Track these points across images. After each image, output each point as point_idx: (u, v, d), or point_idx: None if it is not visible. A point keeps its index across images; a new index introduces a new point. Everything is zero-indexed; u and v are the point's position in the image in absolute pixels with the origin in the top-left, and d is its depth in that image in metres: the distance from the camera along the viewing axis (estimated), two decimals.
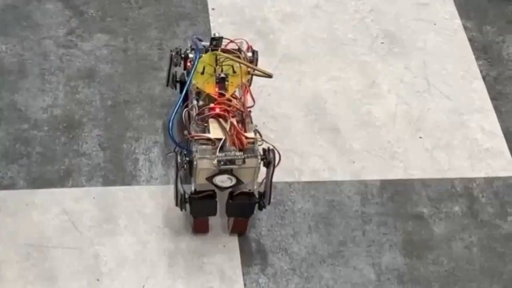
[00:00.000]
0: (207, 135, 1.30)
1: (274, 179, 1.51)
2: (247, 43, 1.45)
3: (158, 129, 1.57)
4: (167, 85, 1.50)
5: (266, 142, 1.33)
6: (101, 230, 1.43)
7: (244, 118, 1.34)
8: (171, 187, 1.39)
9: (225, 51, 1.42)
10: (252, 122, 1.34)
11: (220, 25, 1.78)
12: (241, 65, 1.39)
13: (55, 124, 1.57)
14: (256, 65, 1.46)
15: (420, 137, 1.64)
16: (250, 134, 1.31)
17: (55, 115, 1.58)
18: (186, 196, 1.35)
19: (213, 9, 1.81)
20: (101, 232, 1.43)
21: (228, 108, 1.33)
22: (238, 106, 1.34)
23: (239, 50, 1.43)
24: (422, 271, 1.44)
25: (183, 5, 1.81)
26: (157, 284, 1.38)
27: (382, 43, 1.79)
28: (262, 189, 1.37)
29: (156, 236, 1.43)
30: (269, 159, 1.32)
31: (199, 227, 1.42)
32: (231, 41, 1.44)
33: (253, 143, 1.31)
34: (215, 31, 1.73)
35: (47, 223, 1.43)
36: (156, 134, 1.55)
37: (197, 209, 1.37)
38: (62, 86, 1.63)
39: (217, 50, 1.41)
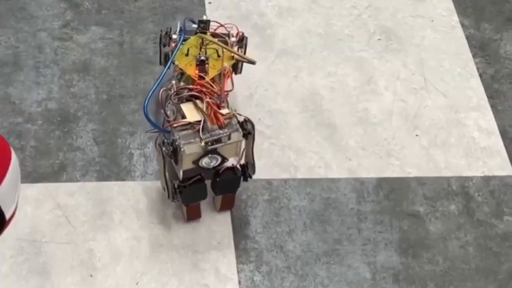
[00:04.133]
0: (185, 120, 1.29)
1: (269, 176, 1.51)
2: (237, 28, 1.45)
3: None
4: (160, 64, 1.51)
5: (240, 114, 1.33)
6: (95, 225, 1.42)
7: (220, 101, 1.34)
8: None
9: (214, 35, 1.43)
10: (229, 107, 1.34)
11: (216, 19, 1.75)
12: (225, 49, 1.39)
13: (50, 117, 1.56)
14: (244, 51, 1.46)
15: (417, 135, 1.63)
16: (225, 110, 1.31)
17: (50, 109, 1.57)
18: (176, 186, 1.35)
19: (209, 2, 1.80)
20: (95, 227, 1.42)
21: (204, 90, 1.33)
22: (215, 90, 1.34)
23: (228, 35, 1.44)
24: (418, 270, 1.44)
25: None
26: (151, 280, 1.37)
27: (379, 39, 1.79)
28: (243, 161, 1.38)
29: (150, 232, 1.42)
30: (248, 130, 1.32)
31: (192, 214, 1.42)
32: (221, 25, 1.44)
33: (230, 118, 1.31)
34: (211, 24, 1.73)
35: (40, 218, 1.42)
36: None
37: (189, 196, 1.37)
38: (56, 79, 1.62)
39: (204, 33, 1.42)
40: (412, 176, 1.56)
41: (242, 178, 1.39)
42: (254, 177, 1.50)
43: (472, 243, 1.49)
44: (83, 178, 1.48)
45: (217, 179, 1.36)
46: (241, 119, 1.33)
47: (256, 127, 1.58)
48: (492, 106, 1.69)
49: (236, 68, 1.46)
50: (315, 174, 1.55)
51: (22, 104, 1.57)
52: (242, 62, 1.44)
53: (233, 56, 1.42)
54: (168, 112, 1.33)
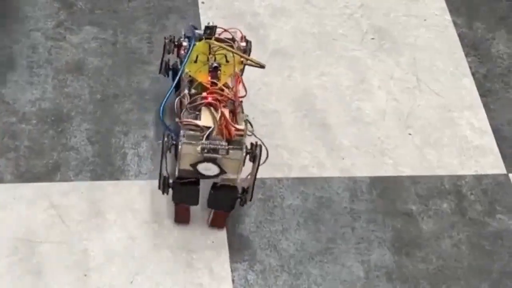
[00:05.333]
0: (196, 121, 1.29)
1: (263, 175, 1.51)
2: (241, 32, 1.45)
3: (148, 123, 1.56)
4: (160, 73, 1.50)
5: (255, 136, 1.33)
6: (89, 225, 1.42)
7: (235, 108, 1.33)
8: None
9: (219, 40, 1.42)
10: (243, 112, 1.34)
11: (210, 19, 1.76)
12: (234, 54, 1.38)
13: (44, 117, 1.56)
14: (249, 55, 1.46)
15: (410, 134, 1.64)
16: (240, 126, 1.31)
17: (44, 109, 1.57)
18: (170, 180, 1.35)
19: (203, 2, 1.80)
20: (89, 227, 1.42)
21: (219, 98, 1.32)
22: (229, 96, 1.33)
23: (233, 39, 1.43)
24: (411, 269, 1.44)
25: None
26: (146, 280, 1.37)
27: (373, 38, 1.79)
28: (246, 185, 1.37)
29: (144, 231, 1.43)
30: (254, 154, 1.31)
31: (180, 216, 1.42)
32: (225, 30, 1.44)
33: (242, 135, 1.30)
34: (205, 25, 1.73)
35: (35, 218, 1.42)
36: (145, 128, 1.54)
37: (179, 194, 1.37)
38: (50, 79, 1.62)
39: (210, 38, 1.41)
40: (405, 175, 1.57)
41: (239, 201, 1.38)
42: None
43: (465, 241, 1.49)
44: (77, 178, 1.49)
45: (212, 191, 1.36)
46: (254, 141, 1.32)
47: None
48: (484, 105, 1.70)
49: (242, 72, 1.45)
50: (309, 173, 1.55)
51: (16, 104, 1.57)
52: (251, 66, 1.43)
53: (242, 61, 1.41)
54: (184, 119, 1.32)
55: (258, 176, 1.51)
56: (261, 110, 1.63)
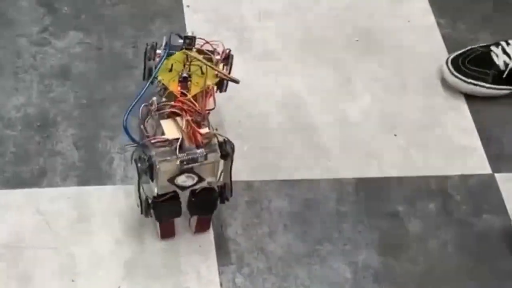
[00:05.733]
0: (164, 137, 1.28)
1: (250, 178, 1.52)
2: (223, 45, 1.44)
3: (134, 128, 1.56)
4: (144, 79, 1.48)
5: (221, 135, 1.32)
6: (76, 230, 1.42)
7: (202, 120, 1.32)
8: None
9: (200, 51, 1.41)
10: (209, 125, 1.32)
11: (195, 22, 1.77)
12: (208, 67, 1.38)
13: (29, 123, 1.56)
14: (230, 68, 1.45)
15: (395, 135, 1.64)
16: (205, 130, 1.30)
17: (29, 114, 1.57)
18: (150, 201, 1.33)
19: (188, 6, 1.80)
20: (76, 232, 1.42)
21: (186, 108, 1.31)
22: (196, 107, 1.32)
23: (214, 51, 1.42)
24: (398, 270, 1.45)
25: (157, 2, 1.80)
26: (133, 285, 1.37)
27: (357, 40, 1.80)
28: (222, 183, 1.37)
29: (132, 236, 1.43)
30: (226, 151, 1.31)
31: (166, 232, 1.41)
32: (207, 42, 1.43)
33: (209, 138, 1.29)
34: (190, 28, 1.73)
35: (21, 224, 1.42)
36: (132, 132, 1.53)
37: (162, 212, 1.35)
38: (35, 84, 1.62)
39: (190, 48, 1.40)
40: (391, 176, 1.58)
41: (219, 200, 1.38)
42: (234, 179, 1.51)
43: (452, 242, 1.50)
44: (64, 183, 1.48)
45: (193, 199, 1.35)
46: (221, 139, 1.31)
47: (236, 129, 1.60)
48: (469, 106, 1.70)
49: (221, 86, 1.45)
50: (295, 176, 1.56)
51: (1, 110, 1.57)
52: (227, 80, 1.43)
53: (217, 74, 1.40)
54: (148, 128, 1.31)
55: (244, 179, 1.52)
56: (247, 113, 1.63)
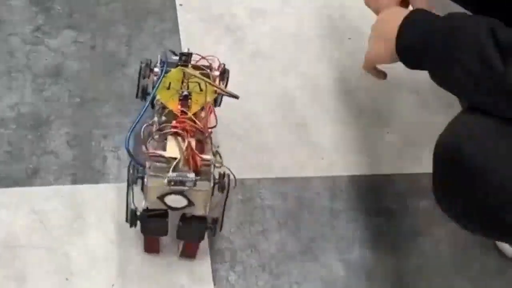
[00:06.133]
0: (162, 153, 1.27)
1: (243, 176, 1.52)
2: (218, 60, 1.42)
3: (127, 127, 1.56)
4: (137, 97, 1.46)
5: (225, 166, 1.30)
6: (70, 229, 1.43)
7: (204, 138, 1.31)
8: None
9: (195, 67, 1.39)
10: (212, 143, 1.31)
11: (188, 21, 1.77)
12: (207, 84, 1.36)
13: (22, 122, 1.56)
14: (226, 83, 1.43)
15: (388, 132, 1.65)
16: (207, 156, 1.28)
17: (22, 113, 1.57)
18: (138, 213, 1.32)
19: (180, 5, 1.80)
20: (70, 231, 1.42)
21: (187, 127, 1.30)
22: (198, 126, 1.30)
23: (210, 67, 1.40)
24: (391, 267, 1.46)
25: (150, 1, 1.80)
26: (127, 283, 1.38)
27: (350, 38, 1.80)
28: (216, 214, 1.35)
29: (125, 234, 1.43)
30: (223, 184, 1.29)
31: (150, 247, 1.40)
32: (203, 58, 1.41)
33: (208, 165, 1.27)
34: (183, 27, 1.74)
35: (15, 223, 1.42)
36: (125, 131, 1.53)
37: (148, 227, 1.35)
38: (29, 83, 1.62)
39: (186, 65, 1.38)
40: (383, 173, 1.58)
41: (209, 232, 1.36)
42: None
43: (444, 239, 1.51)
44: (57, 182, 1.49)
45: (181, 223, 1.33)
46: (221, 171, 1.30)
47: (229, 127, 1.60)
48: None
49: (216, 100, 1.43)
50: (288, 173, 1.56)
51: None
52: (222, 95, 1.41)
53: (215, 90, 1.38)
54: (150, 149, 1.29)
55: (237, 177, 1.52)
56: (241, 111, 1.64)
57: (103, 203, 1.46)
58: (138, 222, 1.34)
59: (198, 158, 1.26)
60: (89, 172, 1.51)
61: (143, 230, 1.36)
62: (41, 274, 1.37)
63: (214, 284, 1.40)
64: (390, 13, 1.37)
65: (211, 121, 1.36)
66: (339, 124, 1.65)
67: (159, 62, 1.40)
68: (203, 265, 1.41)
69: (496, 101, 1.14)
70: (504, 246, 1.51)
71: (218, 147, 1.33)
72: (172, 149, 1.28)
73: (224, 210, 1.34)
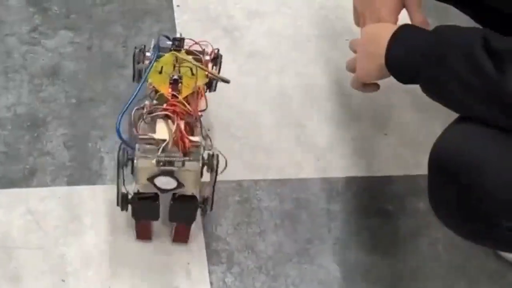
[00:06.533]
0: (151, 135, 1.28)
1: (240, 177, 1.52)
2: (211, 46, 1.43)
3: (124, 127, 1.56)
4: (134, 81, 1.48)
5: (215, 148, 1.31)
6: (66, 230, 1.42)
7: (194, 121, 1.32)
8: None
9: (188, 52, 1.41)
10: (202, 126, 1.32)
11: (185, 22, 1.77)
12: (198, 68, 1.37)
13: (19, 122, 1.56)
14: (219, 68, 1.45)
15: (385, 134, 1.65)
16: (196, 138, 1.29)
17: (19, 114, 1.57)
18: (129, 196, 1.33)
19: (178, 6, 1.80)
20: (66, 232, 1.42)
21: (177, 110, 1.31)
22: (187, 109, 1.31)
23: (203, 52, 1.42)
24: (388, 269, 1.45)
25: (147, 1, 1.80)
26: (123, 284, 1.37)
27: (347, 39, 1.79)
28: (206, 194, 1.36)
29: (121, 236, 1.43)
30: (211, 164, 1.30)
31: (142, 233, 1.41)
32: (196, 43, 1.43)
33: (197, 146, 1.28)
34: (180, 28, 1.74)
35: (11, 223, 1.42)
36: (122, 132, 1.54)
37: (139, 211, 1.35)
38: (26, 84, 1.62)
39: (179, 50, 1.40)
40: (380, 175, 1.58)
41: (199, 211, 1.37)
42: (224, 178, 1.51)
43: (441, 240, 1.51)
44: (54, 183, 1.48)
45: (172, 202, 1.34)
46: (211, 152, 1.30)
47: (226, 128, 1.60)
48: None
49: (210, 86, 1.45)
50: (285, 175, 1.56)
51: None
52: (216, 80, 1.43)
53: (207, 75, 1.40)
54: (140, 132, 1.30)
55: (234, 178, 1.52)
56: (238, 111, 1.64)
57: (100, 204, 1.46)
58: (129, 207, 1.35)
59: (186, 140, 1.28)
60: (85, 173, 1.50)
61: (134, 214, 1.36)
62: (37, 275, 1.36)
63: (211, 286, 1.40)
64: (377, 29, 1.37)
65: (202, 105, 1.38)
66: (336, 125, 1.65)
67: (152, 47, 1.41)
68: (199, 267, 1.41)
69: (491, 111, 1.14)
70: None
71: (208, 130, 1.35)
72: (162, 131, 1.29)
73: (214, 190, 1.34)
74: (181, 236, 1.41)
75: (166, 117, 1.31)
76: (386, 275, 1.45)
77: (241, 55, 1.74)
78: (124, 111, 1.30)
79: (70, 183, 1.49)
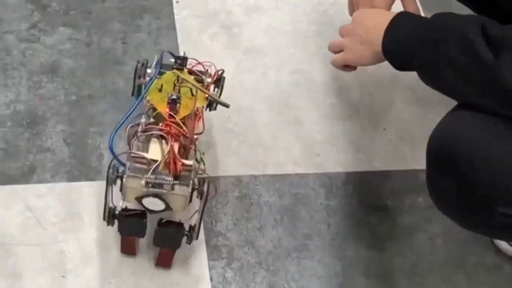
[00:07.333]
0: (143, 154, 1.26)
1: (239, 172, 1.52)
2: (215, 67, 1.41)
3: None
4: (132, 95, 1.46)
5: (204, 172, 1.30)
6: (66, 226, 1.43)
7: (189, 143, 1.30)
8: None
9: (191, 72, 1.39)
10: (196, 149, 1.30)
11: (184, 18, 1.77)
12: (198, 90, 1.35)
13: (18, 119, 1.56)
14: (221, 91, 1.43)
15: (384, 129, 1.65)
16: (189, 162, 1.27)
17: (18, 111, 1.57)
18: (116, 212, 1.31)
19: (177, 2, 1.80)
20: (66, 229, 1.42)
21: (173, 131, 1.29)
22: (183, 131, 1.30)
23: (206, 73, 1.40)
24: (386, 263, 1.46)
25: None
26: (123, 280, 1.38)
27: None
28: (193, 222, 1.34)
29: None
30: (201, 190, 1.27)
31: (126, 247, 1.39)
32: (199, 63, 1.40)
33: (190, 171, 1.26)
34: (179, 24, 1.74)
35: (10, 220, 1.42)
36: (121, 129, 1.54)
37: (125, 227, 1.33)
38: (25, 81, 1.62)
39: (181, 69, 1.37)
40: (379, 170, 1.58)
41: (185, 239, 1.34)
42: (223, 174, 1.52)
43: (440, 235, 1.51)
44: (53, 179, 1.49)
45: (157, 228, 1.32)
46: (201, 177, 1.28)
47: (225, 125, 1.60)
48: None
49: (210, 105, 1.43)
50: (284, 170, 1.56)
51: None
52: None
53: (207, 97, 1.37)
54: (134, 149, 1.28)
55: (233, 174, 1.53)
56: (235, 108, 1.63)
57: (99, 200, 1.46)
58: (116, 222, 1.33)
59: (179, 163, 1.25)
60: (85, 169, 1.51)
61: (120, 230, 1.34)
62: (36, 271, 1.37)
63: (211, 281, 1.40)
64: (372, 15, 1.37)
65: (199, 127, 1.36)
66: (335, 121, 1.65)
67: (154, 63, 1.39)
68: (199, 262, 1.41)
69: (486, 98, 1.14)
70: (501, 242, 1.51)
71: (203, 154, 1.32)
72: (154, 151, 1.27)
73: (202, 217, 1.32)
74: (164, 261, 1.39)
75: (160, 137, 1.28)
76: (385, 270, 1.45)
77: (240, 51, 1.74)
78: (119, 127, 1.28)
79: (69, 179, 1.49)
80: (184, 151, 1.29)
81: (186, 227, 1.33)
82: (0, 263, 1.37)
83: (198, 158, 1.30)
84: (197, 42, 1.72)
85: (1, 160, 1.50)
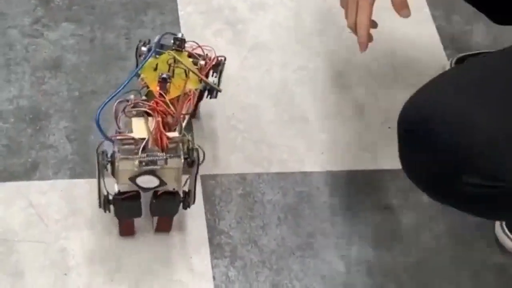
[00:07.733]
0: (130, 134, 1.26)
1: (243, 170, 1.52)
2: (215, 52, 1.41)
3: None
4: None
5: (191, 141, 1.30)
6: (68, 223, 1.42)
7: (175, 122, 1.29)
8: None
9: (190, 54, 1.39)
10: (182, 130, 1.29)
11: (189, 14, 1.76)
12: (191, 71, 1.36)
13: (21, 115, 1.55)
14: (219, 76, 1.42)
15: (389, 127, 1.64)
16: (173, 134, 1.27)
17: (21, 106, 1.56)
18: (110, 197, 1.32)
19: None
20: (68, 226, 1.42)
21: (160, 109, 1.29)
22: (170, 111, 1.29)
23: (205, 57, 1.40)
24: (391, 262, 1.45)
25: None
26: (125, 277, 1.37)
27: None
28: (187, 188, 1.35)
29: None
30: (192, 159, 1.28)
31: (125, 230, 1.40)
32: (199, 46, 1.41)
33: (176, 142, 1.27)
34: (183, 21, 1.73)
35: (12, 217, 1.41)
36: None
37: (122, 210, 1.34)
38: (28, 76, 1.61)
39: (180, 50, 1.38)
40: (384, 168, 1.57)
41: (181, 205, 1.36)
42: (227, 171, 1.51)
43: (445, 233, 1.50)
44: (56, 176, 1.48)
45: (154, 201, 1.33)
46: (189, 146, 1.29)
47: (229, 122, 1.59)
48: None
49: (211, 92, 1.43)
50: (288, 168, 1.55)
51: None
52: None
53: (201, 80, 1.37)
54: (121, 125, 1.29)
55: (237, 171, 1.52)
56: (240, 105, 1.63)
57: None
58: (111, 207, 1.34)
59: (164, 137, 1.26)
60: (88, 166, 1.50)
61: (117, 214, 1.36)
62: (39, 268, 1.36)
63: (214, 280, 1.39)
64: None
65: (189, 108, 1.35)
66: (339, 119, 1.64)
67: (154, 42, 1.40)
68: (202, 261, 1.41)
69: None
70: (505, 241, 1.50)
71: (190, 135, 1.32)
72: (139, 129, 1.27)
73: (195, 182, 1.33)
74: (164, 226, 1.41)
75: (146, 114, 1.29)
76: (389, 268, 1.44)
77: (244, 48, 1.73)
78: (107, 102, 1.28)
79: (72, 176, 1.48)
80: (169, 130, 1.29)
81: (181, 194, 1.35)
82: (3, 260, 1.36)
83: (182, 132, 1.29)
84: (201, 38, 1.69)
85: (3, 156, 1.49)
